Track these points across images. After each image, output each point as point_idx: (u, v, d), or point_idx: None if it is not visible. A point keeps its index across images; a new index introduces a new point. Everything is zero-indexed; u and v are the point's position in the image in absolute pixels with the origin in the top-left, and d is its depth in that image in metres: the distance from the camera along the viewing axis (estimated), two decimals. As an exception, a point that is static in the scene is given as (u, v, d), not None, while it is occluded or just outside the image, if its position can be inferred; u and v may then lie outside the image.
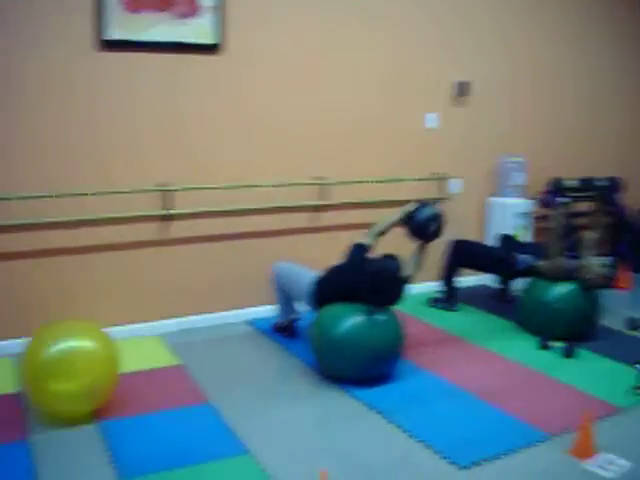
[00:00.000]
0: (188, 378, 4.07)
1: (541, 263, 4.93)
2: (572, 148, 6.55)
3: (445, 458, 3.16)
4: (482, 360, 4.40)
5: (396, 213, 4.42)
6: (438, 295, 5.55)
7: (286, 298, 4.70)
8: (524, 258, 5.12)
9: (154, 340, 4.69)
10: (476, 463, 3.12)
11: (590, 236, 4.91)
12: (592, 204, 5.87)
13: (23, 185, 4.27)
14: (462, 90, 5.77)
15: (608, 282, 5.25)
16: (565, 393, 3.89)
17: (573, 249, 4.96)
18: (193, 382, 4.01)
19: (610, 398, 3.81)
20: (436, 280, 5.62)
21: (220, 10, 4.61)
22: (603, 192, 6.19)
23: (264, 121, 5.00)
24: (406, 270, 4.21)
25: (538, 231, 6.13)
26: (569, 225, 5.23)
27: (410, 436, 3.38)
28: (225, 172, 4.90)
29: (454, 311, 5.41)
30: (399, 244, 4.43)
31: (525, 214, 5.99)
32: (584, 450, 3.19)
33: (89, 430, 3.40)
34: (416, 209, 4.36)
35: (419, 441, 3.32)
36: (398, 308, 4.15)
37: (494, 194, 6.16)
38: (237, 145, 4.93)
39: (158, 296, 4.84)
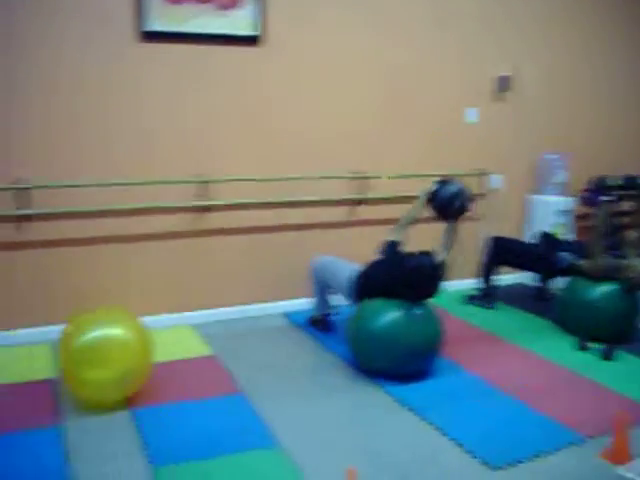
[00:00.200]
0: (221, 368, 4.09)
1: (582, 262, 4.83)
2: (615, 146, 6.41)
3: (476, 458, 3.11)
4: (518, 359, 4.33)
5: (418, 198, 4.30)
6: (476, 292, 5.49)
7: (323, 292, 4.69)
8: (565, 256, 5.03)
9: (188, 330, 4.72)
10: (508, 464, 3.06)
11: (633, 235, 4.80)
12: (635, 203, 5.74)
13: (65, 174, 4.34)
14: (503, 85, 5.68)
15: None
16: (602, 396, 3.80)
17: (615, 248, 4.85)
18: (226, 372, 4.03)
19: (649, 402, 3.72)
20: (474, 277, 5.56)
21: (261, 2, 4.61)
22: (647, 191, 6.06)
23: (301, 113, 4.99)
24: (439, 254, 4.16)
25: (579, 229, 6.02)
26: (612, 224, 5.12)
27: (442, 434, 3.34)
28: (262, 164, 4.91)
29: (492, 309, 5.34)
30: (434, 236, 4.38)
31: (566, 212, 5.88)
32: (619, 455, 3.11)
33: (122, 417, 3.44)
34: (438, 187, 4.23)
35: (451, 439, 3.28)
36: (435, 305, 4.11)
37: (535, 191, 6.06)
38: (275, 138, 4.93)
39: (193, 287, 4.88)
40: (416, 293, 4.00)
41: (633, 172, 6.24)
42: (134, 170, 4.52)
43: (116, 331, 3.43)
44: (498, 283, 5.51)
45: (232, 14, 4.53)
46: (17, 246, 4.33)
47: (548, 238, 5.37)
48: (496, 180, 5.86)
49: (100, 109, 4.38)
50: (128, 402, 3.56)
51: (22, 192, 4.24)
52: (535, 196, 6.01)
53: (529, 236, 5.83)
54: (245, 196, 4.87)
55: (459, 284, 5.60)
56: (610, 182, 5.99)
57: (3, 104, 4.15)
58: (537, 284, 5.61)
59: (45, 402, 3.58)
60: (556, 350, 4.47)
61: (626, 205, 5.95)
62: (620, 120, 6.44)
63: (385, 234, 4.26)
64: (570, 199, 5.94)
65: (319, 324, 4.78)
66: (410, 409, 3.60)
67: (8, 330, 4.38)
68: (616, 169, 6.19)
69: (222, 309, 4.99)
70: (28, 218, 4.30)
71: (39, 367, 4.03)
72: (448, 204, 4.19)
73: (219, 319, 4.95)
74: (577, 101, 6.17)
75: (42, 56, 4.17)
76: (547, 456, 3.15)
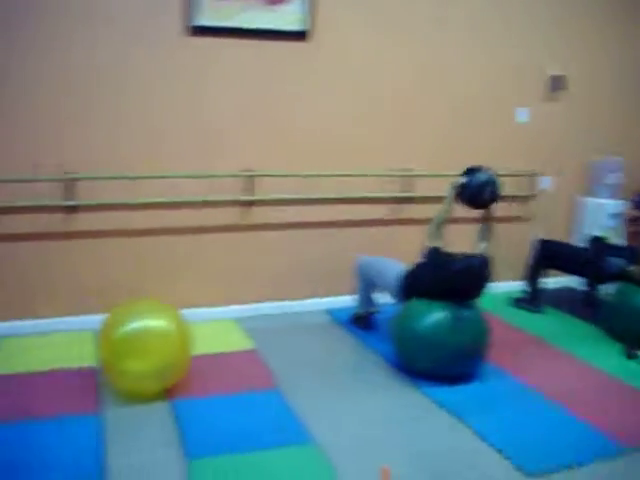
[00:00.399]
0: (260, 363, 4.10)
1: (633, 267, 4.71)
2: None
3: (514, 464, 3.06)
4: (563, 365, 4.23)
5: (447, 193, 4.23)
6: (522, 295, 5.39)
7: (367, 289, 4.67)
8: (615, 261, 4.91)
9: (229, 324, 4.75)
10: (545, 471, 3.00)
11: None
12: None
13: (107, 165, 4.40)
14: (557, 84, 5.56)
15: None
16: (648, 405, 3.70)
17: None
18: (265, 367, 4.04)
19: (698, 415, 3.60)
20: (520, 280, 5.46)
21: (309, -2, 4.61)
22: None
23: (348, 110, 4.96)
24: (479, 249, 4.10)
25: (630, 234, 5.86)
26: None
27: (480, 438, 3.29)
28: (308, 160, 4.90)
29: (538, 312, 5.24)
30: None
31: (618, 215, 5.74)
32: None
33: (160, 408, 3.47)
34: (467, 177, 4.15)
35: (489, 445, 3.23)
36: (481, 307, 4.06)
37: (586, 193, 5.92)
38: (321, 133, 4.91)
39: (236, 281, 4.90)
40: (463, 293, 3.95)
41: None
42: (175, 163, 4.56)
43: (156, 323, 3.46)
44: (545, 286, 5.40)
45: (280, 9, 4.52)
46: (70, 236, 4.42)
47: (598, 242, 5.25)
48: (545, 182, 5.74)
49: (147, 103, 4.42)
50: (167, 393, 3.59)
51: (69, 183, 4.32)
52: (586, 198, 5.88)
53: (578, 239, 5.71)
54: (291, 192, 4.87)
55: (505, 286, 5.51)
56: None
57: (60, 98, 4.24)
58: (585, 289, 5.48)
59: (86, 389, 3.64)
60: (602, 357, 4.36)
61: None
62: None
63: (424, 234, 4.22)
64: (622, 202, 5.79)
65: (362, 322, 4.76)
66: (450, 411, 3.55)
67: (53, 317, 4.48)
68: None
69: (265, 304, 5.00)
70: (74, 209, 4.38)
71: (86, 354, 4.09)
72: (478, 193, 4.11)
73: (261, 313, 4.96)
74: (633, 102, 6.00)
75: (95, 49, 4.24)
76: (587, 465, 3.07)
